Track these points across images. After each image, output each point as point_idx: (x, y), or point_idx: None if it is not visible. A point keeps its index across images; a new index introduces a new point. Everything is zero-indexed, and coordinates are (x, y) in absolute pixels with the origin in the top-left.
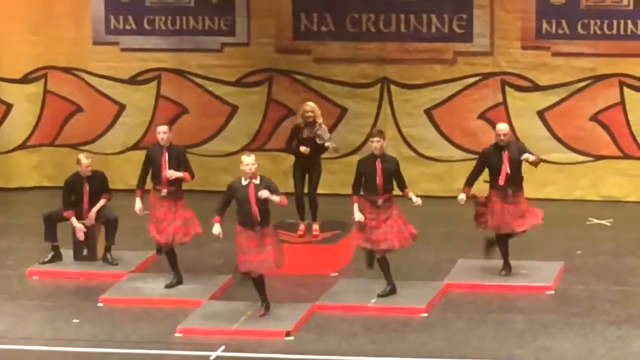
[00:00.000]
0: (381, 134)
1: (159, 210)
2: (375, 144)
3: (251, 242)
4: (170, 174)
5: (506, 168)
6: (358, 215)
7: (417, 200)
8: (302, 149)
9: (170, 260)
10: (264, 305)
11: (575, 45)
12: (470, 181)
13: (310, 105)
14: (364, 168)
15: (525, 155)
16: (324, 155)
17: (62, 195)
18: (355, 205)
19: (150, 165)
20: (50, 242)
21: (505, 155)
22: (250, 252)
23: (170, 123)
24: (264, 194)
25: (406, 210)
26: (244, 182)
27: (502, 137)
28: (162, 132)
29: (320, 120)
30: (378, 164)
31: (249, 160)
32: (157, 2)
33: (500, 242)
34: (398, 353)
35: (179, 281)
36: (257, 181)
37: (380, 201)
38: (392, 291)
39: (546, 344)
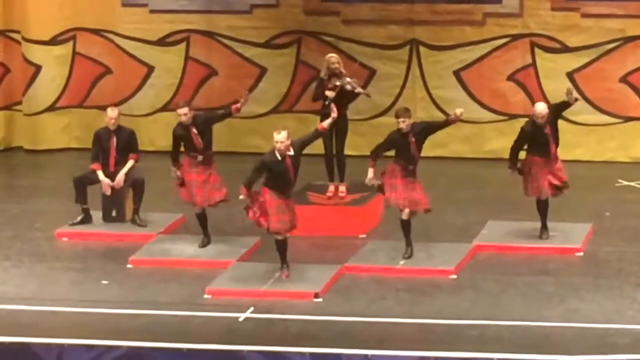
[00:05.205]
0: (406, 113)
1: (193, 173)
2: (401, 124)
3: (282, 202)
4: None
5: (553, 144)
6: (373, 180)
7: (459, 111)
8: (328, 92)
9: (202, 222)
10: (286, 266)
11: (604, 6)
12: (514, 158)
13: (335, 56)
14: (395, 144)
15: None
16: (353, 117)
17: (92, 146)
18: (371, 170)
19: (181, 141)
20: (80, 205)
21: (547, 130)
22: (283, 213)
23: (190, 100)
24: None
25: (435, 171)
26: (279, 157)
27: (540, 119)
28: (183, 115)
29: (344, 71)
30: (411, 139)
31: (279, 138)
32: None
33: (542, 205)
34: (427, 315)
35: (209, 241)
36: (292, 152)
37: (411, 167)
38: (411, 255)
39: (574, 306)
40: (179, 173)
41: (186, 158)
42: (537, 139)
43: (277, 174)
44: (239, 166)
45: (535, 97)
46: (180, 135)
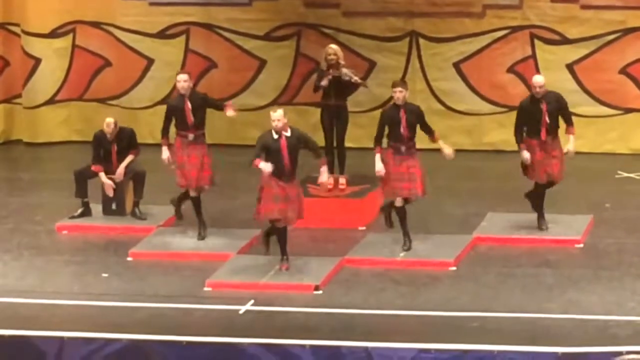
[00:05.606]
0: (404, 84)
1: (185, 155)
2: (397, 94)
3: (280, 191)
4: (232, 112)
5: (546, 120)
6: (379, 166)
7: (449, 152)
8: (323, 82)
9: (196, 206)
10: (286, 258)
11: None
12: (520, 136)
13: (333, 47)
14: (387, 118)
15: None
16: (353, 109)
17: (91, 149)
18: (377, 156)
19: (173, 115)
20: (80, 199)
21: (543, 107)
22: (279, 201)
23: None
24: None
25: (435, 164)
26: (275, 136)
27: (537, 90)
28: (182, 81)
29: (343, 62)
30: (402, 114)
31: (275, 116)
32: None
33: (538, 194)
34: (426, 307)
35: (205, 227)
36: (288, 133)
37: (403, 148)
38: (409, 246)
39: (575, 297)
40: (168, 154)
41: (178, 139)
42: (533, 115)
43: (272, 154)
44: (237, 159)
45: None
46: (174, 107)
